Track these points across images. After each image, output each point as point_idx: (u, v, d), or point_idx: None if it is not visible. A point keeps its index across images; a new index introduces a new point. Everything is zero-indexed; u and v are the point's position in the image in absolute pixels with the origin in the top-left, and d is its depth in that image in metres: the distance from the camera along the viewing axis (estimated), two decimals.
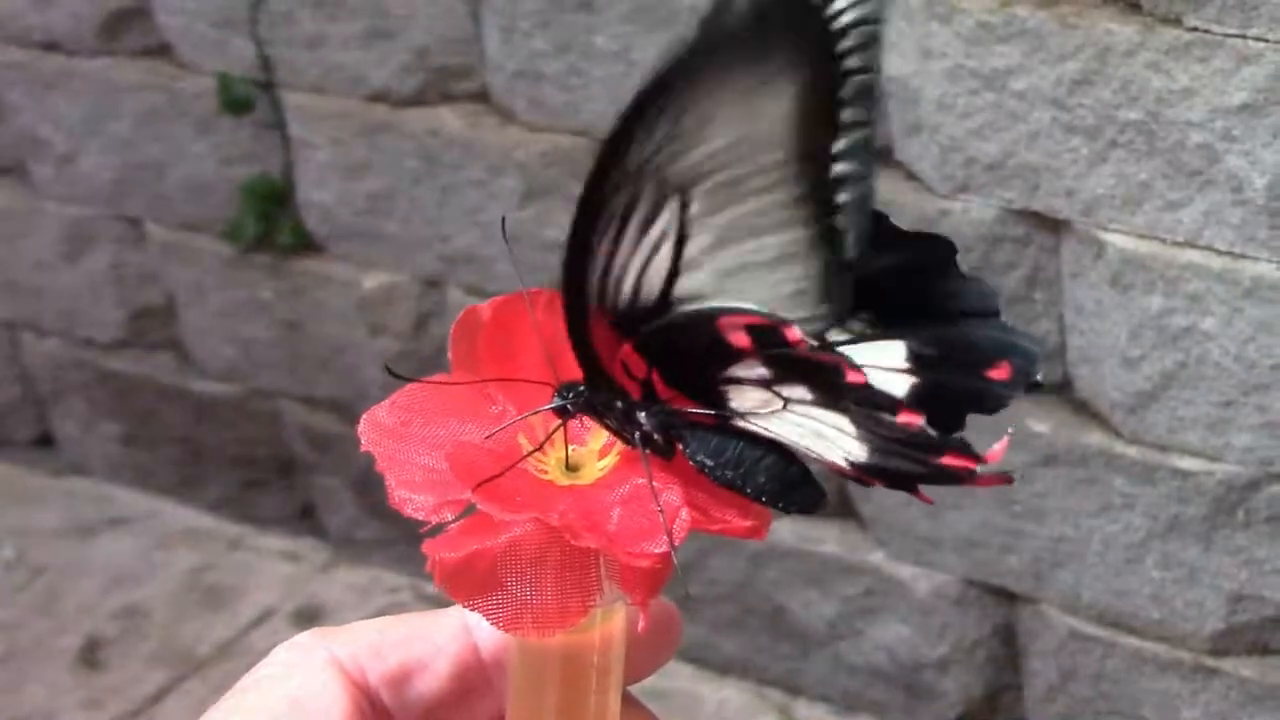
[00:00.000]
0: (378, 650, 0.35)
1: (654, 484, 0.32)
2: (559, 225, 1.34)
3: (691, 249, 0.32)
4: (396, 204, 1.44)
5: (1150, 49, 1.04)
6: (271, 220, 1.52)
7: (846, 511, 1.32)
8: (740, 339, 0.32)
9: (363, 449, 0.33)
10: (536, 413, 0.33)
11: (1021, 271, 1.17)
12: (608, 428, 0.34)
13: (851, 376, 0.31)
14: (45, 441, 1.81)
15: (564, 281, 0.32)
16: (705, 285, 0.32)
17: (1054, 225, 1.15)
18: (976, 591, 1.28)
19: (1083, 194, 1.11)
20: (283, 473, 1.65)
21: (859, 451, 0.32)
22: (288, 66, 1.45)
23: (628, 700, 0.36)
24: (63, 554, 1.67)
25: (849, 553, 1.33)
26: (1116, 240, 1.11)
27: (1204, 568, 1.16)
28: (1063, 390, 1.20)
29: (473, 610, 0.32)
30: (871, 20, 0.31)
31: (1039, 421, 1.19)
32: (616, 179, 0.31)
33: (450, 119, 1.39)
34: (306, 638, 0.35)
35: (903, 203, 1.19)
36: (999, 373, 0.32)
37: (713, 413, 0.32)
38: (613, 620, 0.34)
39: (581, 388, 0.33)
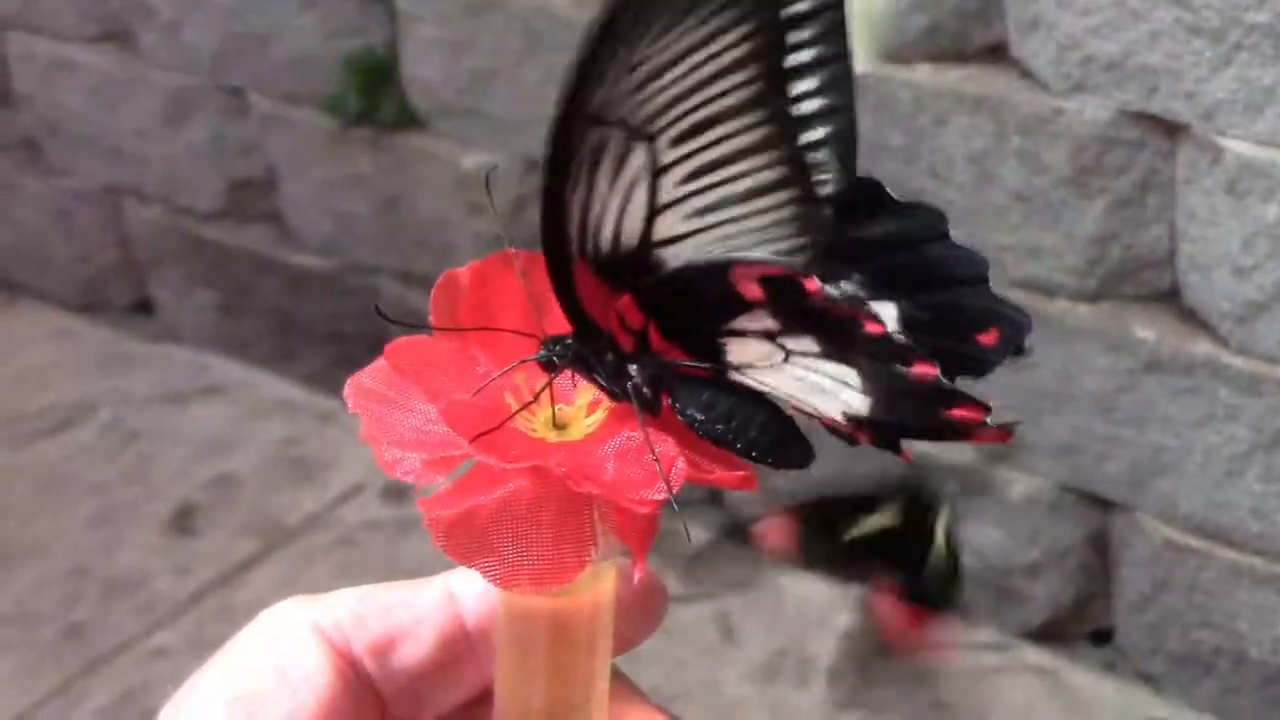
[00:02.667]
0: (361, 618, 0.35)
1: (648, 432, 0.32)
2: None
3: (665, 188, 0.32)
4: (499, 83, 1.43)
5: None
6: (374, 95, 1.51)
7: None
8: (753, 290, 0.31)
9: (349, 411, 0.33)
10: (524, 362, 0.33)
11: (1134, 176, 1.15)
12: (595, 382, 0.33)
13: (870, 327, 0.31)
14: (143, 307, 1.82)
15: (543, 234, 0.32)
16: (682, 225, 0.32)
17: (1171, 129, 1.12)
18: (1071, 498, 1.27)
19: (1203, 98, 1.08)
20: (375, 349, 1.64)
21: (860, 405, 0.32)
22: None
23: (613, 672, 0.35)
24: (157, 420, 1.68)
25: (942, 452, 1.32)
26: (1235, 146, 1.08)
27: None
28: (1170, 297, 1.18)
29: (470, 567, 0.32)
30: None
31: (1144, 328, 1.17)
32: (581, 126, 0.30)
33: None
34: (289, 605, 0.35)
35: (1016, 101, 1.17)
36: (988, 338, 0.32)
37: (708, 365, 0.32)
38: (602, 584, 0.34)
39: (568, 340, 0.33)
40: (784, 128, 0.32)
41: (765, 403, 0.33)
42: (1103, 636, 1.32)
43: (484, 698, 0.36)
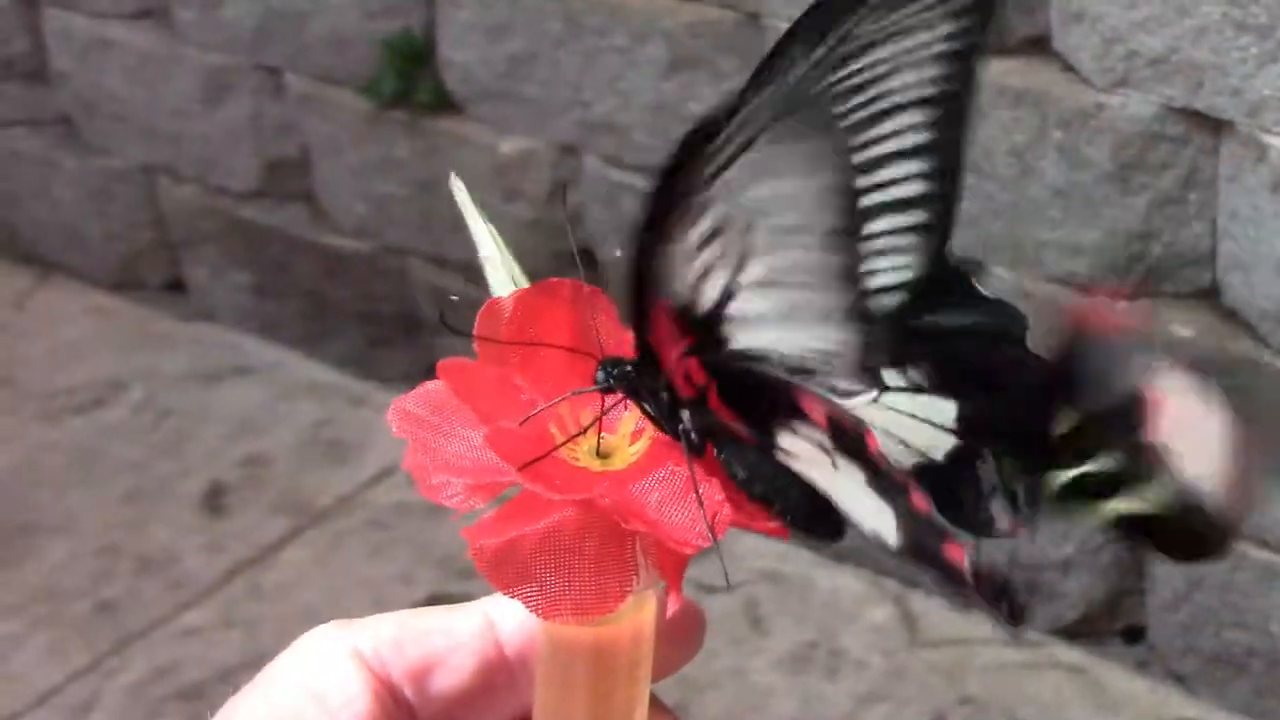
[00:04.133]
0: (400, 644, 0.35)
1: (695, 475, 0.32)
2: (703, 100, 1.32)
3: (747, 277, 0.32)
4: (537, 67, 1.42)
5: None
6: (411, 78, 1.51)
7: None
8: (817, 415, 0.31)
9: (395, 435, 0.33)
10: (581, 393, 0.33)
11: (1177, 172, 1.14)
12: (645, 412, 0.33)
13: (917, 501, 0.31)
14: (176, 286, 1.82)
15: (635, 263, 0.31)
16: (754, 312, 0.32)
17: (1215, 126, 1.11)
18: None
19: (1249, 94, 1.07)
20: (408, 332, 1.65)
21: (890, 537, 0.31)
22: None
23: (650, 700, 0.35)
24: (189, 399, 1.69)
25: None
26: None
27: None
28: (1210, 296, 1.17)
29: (512, 597, 0.32)
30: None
31: (1183, 326, 1.17)
32: (696, 180, 0.30)
33: None
34: (328, 629, 0.35)
35: (1058, 94, 1.16)
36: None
37: (759, 440, 0.32)
38: (643, 613, 0.34)
39: (628, 365, 0.33)
40: (851, 265, 0.32)
41: (805, 482, 0.33)
42: (1135, 635, 1.31)
43: None
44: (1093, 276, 1.19)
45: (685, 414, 0.32)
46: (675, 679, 0.36)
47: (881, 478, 0.31)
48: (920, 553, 0.31)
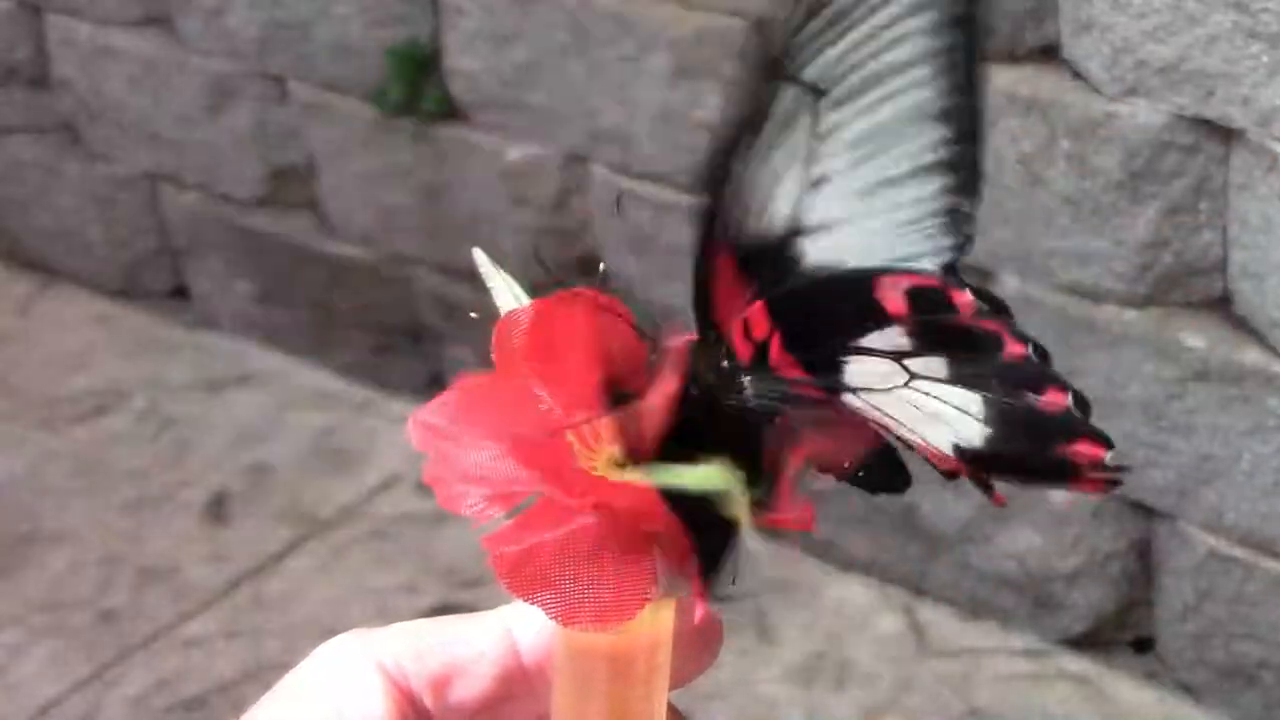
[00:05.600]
0: (419, 654, 0.35)
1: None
2: (708, 106, 1.31)
3: (823, 158, 0.31)
4: (544, 76, 1.42)
5: None
6: (416, 86, 1.50)
7: None
8: (896, 303, 0.31)
9: (415, 448, 0.33)
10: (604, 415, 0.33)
11: (1187, 181, 1.13)
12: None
13: (1012, 348, 0.30)
14: (180, 294, 1.82)
15: (702, 208, 0.31)
16: (834, 208, 0.32)
17: (1225, 134, 1.11)
18: (1115, 505, 1.26)
19: (1259, 103, 1.07)
20: (413, 340, 1.64)
21: (976, 435, 0.31)
22: None
23: (668, 709, 0.35)
24: (192, 407, 1.68)
25: None
26: None
27: None
28: (1221, 305, 1.16)
29: (532, 604, 0.32)
30: None
31: (1194, 336, 1.16)
32: (761, 77, 0.30)
33: None
34: (348, 639, 0.35)
35: (1068, 103, 1.16)
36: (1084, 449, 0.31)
37: (823, 384, 0.32)
38: (660, 620, 0.34)
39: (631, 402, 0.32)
40: (953, 99, 0.31)
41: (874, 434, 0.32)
42: (1144, 645, 1.31)
43: None
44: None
45: (745, 380, 0.32)
46: (681, 689, 0.35)
47: (971, 345, 0.30)
48: (1010, 438, 0.31)
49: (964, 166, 0.32)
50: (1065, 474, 0.31)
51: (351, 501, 1.54)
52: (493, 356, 0.34)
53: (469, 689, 0.35)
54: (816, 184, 0.31)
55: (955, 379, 0.31)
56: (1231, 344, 1.15)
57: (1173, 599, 1.26)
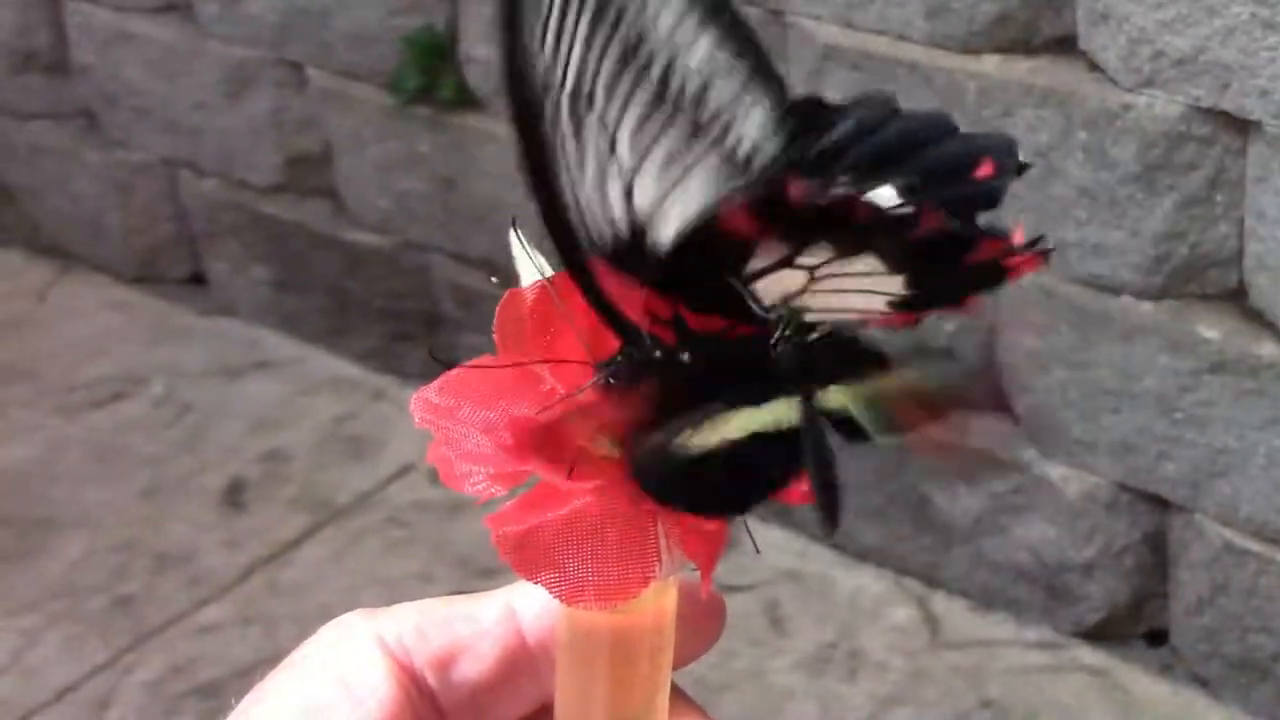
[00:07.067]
0: (423, 632, 0.35)
1: None
2: None
3: (623, 149, 0.32)
4: None
5: None
6: (433, 74, 1.50)
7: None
8: (747, 225, 0.31)
9: (418, 426, 0.33)
10: (585, 389, 0.33)
11: (1203, 172, 1.13)
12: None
13: (861, 207, 0.31)
14: (197, 280, 1.82)
15: (552, 236, 0.32)
16: (653, 187, 0.32)
17: (1243, 126, 1.10)
18: (1129, 497, 1.25)
19: (1276, 95, 1.06)
20: (429, 327, 1.65)
21: (899, 286, 0.31)
22: None
23: (671, 688, 0.36)
24: (209, 393, 1.68)
25: (1000, 448, 1.30)
26: None
27: None
28: (1236, 297, 1.16)
29: (535, 583, 0.32)
30: None
31: (1209, 328, 1.16)
32: (530, 101, 0.31)
33: None
34: (352, 618, 0.35)
35: (1084, 94, 1.15)
36: (985, 170, 0.32)
37: (753, 318, 0.31)
38: (664, 599, 0.34)
39: (618, 357, 0.32)
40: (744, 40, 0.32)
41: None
42: (1158, 638, 1.31)
43: (543, 712, 0.36)
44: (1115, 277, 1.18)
45: (685, 356, 0.32)
46: (692, 680, 0.36)
47: (832, 226, 0.31)
48: (924, 274, 0.31)
49: (745, 56, 0.32)
50: (996, 277, 0.31)
51: (367, 489, 1.55)
52: (494, 337, 0.34)
53: (472, 667, 0.35)
54: (632, 176, 0.32)
55: (844, 253, 0.31)
56: (1247, 336, 1.15)
57: (1187, 592, 1.26)
